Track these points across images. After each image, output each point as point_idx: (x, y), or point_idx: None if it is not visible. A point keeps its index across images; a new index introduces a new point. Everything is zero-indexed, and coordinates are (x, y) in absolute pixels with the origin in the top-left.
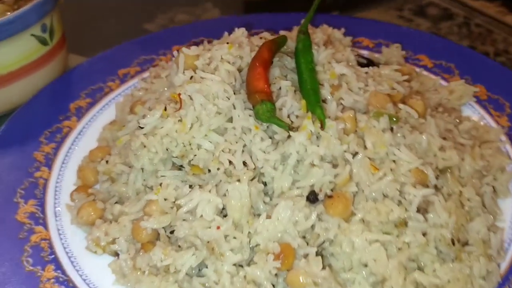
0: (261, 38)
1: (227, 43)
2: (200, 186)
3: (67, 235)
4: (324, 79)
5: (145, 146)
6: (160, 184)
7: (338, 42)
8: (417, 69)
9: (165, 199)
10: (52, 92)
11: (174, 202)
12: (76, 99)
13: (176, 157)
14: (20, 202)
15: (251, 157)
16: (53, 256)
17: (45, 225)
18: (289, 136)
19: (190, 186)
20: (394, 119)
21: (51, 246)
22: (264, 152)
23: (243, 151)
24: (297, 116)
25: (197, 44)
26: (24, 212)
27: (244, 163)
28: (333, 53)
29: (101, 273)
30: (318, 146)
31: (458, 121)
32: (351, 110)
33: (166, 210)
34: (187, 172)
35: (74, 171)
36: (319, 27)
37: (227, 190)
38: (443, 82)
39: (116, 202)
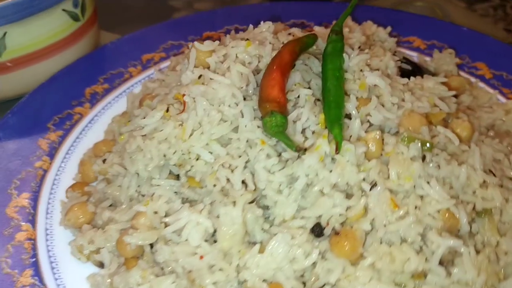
0: (289, 34)
1: (247, 39)
2: (192, 204)
3: (55, 236)
4: (352, 90)
5: (141, 150)
6: (152, 195)
7: (379, 43)
8: (473, 80)
9: (154, 213)
10: (69, 74)
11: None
12: (93, 84)
13: (174, 165)
14: (13, 194)
15: (253, 175)
16: (34, 259)
17: (33, 223)
18: (299, 156)
19: (185, 200)
20: (428, 146)
21: (34, 248)
22: (269, 171)
23: (245, 167)
24: (313, 132)
25: (230, 31)
26: (15, 206)
27: (244, 183)
28: (367, 58)
29: (81, 284)
30: (331, 171)
31: (510, 149)
32: (378, 130)
33: (154, 224)
34: (183, 183)
35: (77, 164)
36: (363, 23)
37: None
38: (501, 98)
39: (111, 205)
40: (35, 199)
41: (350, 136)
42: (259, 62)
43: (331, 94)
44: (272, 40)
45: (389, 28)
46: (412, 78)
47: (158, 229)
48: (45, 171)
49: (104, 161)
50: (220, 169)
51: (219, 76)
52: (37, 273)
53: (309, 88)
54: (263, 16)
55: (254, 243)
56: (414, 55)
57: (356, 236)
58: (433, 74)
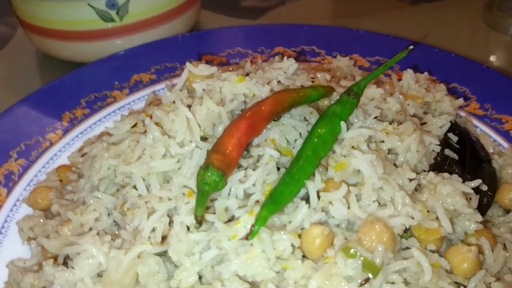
0: (312, 79)
1: (247, 74)
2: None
3: None
4: (330, 167)
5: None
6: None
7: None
8: None
9: (80, 225)
10: (48, 94)
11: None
12: (72, 108)
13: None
14: None
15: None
16: None
17: None
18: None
19: (116, 224)
20: (371, 271)
21: None
22: (188, 229)
23: (169, 216)
24: (257, 202)
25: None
26: None
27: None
28: (370, 134)
29: None
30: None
31: None
32: (327, 228)
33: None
34: (116, 206)
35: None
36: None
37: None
38: None
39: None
40: None
41: (289, 223)
42: (246, 102)
43: (295, 165)
44: (285, 81)
45: (460, 102)
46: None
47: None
48: None
49: (84, 155)
50: (142, 207)
51: (184, 108)
52: None
53: (289, 148)
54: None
55: None
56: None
57: None
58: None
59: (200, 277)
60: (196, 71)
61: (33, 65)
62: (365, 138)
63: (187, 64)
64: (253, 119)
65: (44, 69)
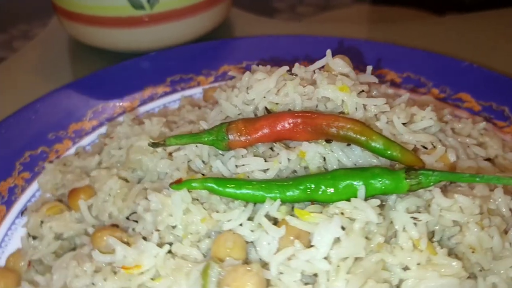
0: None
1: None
2: None
3: None
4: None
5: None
6: None
7: None
8: None
9: None
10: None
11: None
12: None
13: None
14: None
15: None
16: None
17: None
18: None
19: None
20: None
21: None
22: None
23: None
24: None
25: None
26: None
27: None
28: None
29: None
30: None
31: None
32: (239, 243)
33: None
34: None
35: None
36: None
37: None
38: None
39: None
40: None
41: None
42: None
43: (284, 182)
44: (399, 127)
45: None
46: None
47: None
48: None
49: None
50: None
51: (273, 79)
52: None
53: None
54: None
55: None
56: None
57: None
58: None
59: None
60: (331, 63)
61: (65, 53)
62: (361, 222)
63: (328, 51)
64: (303, 122)
65: (75, 57)
